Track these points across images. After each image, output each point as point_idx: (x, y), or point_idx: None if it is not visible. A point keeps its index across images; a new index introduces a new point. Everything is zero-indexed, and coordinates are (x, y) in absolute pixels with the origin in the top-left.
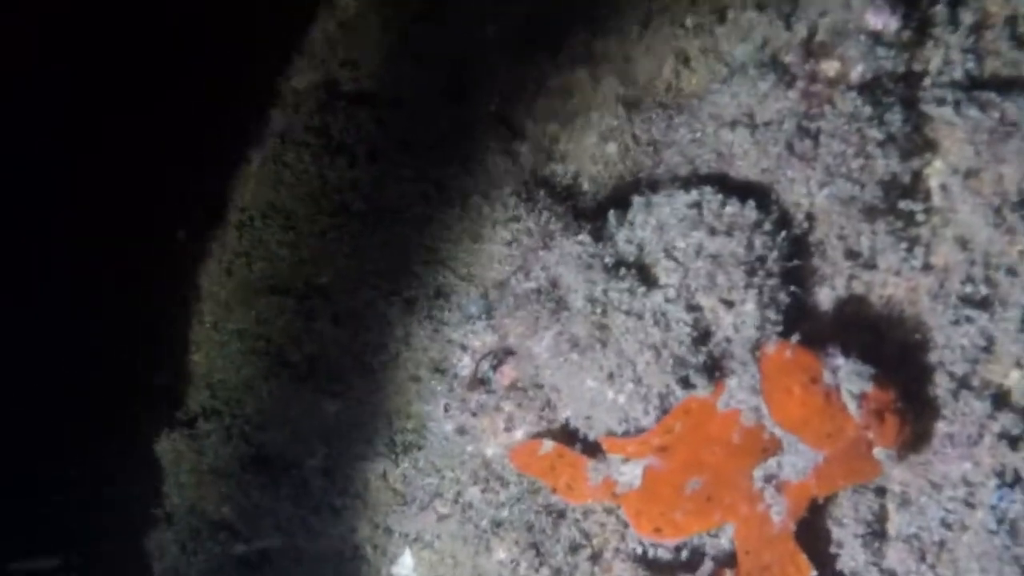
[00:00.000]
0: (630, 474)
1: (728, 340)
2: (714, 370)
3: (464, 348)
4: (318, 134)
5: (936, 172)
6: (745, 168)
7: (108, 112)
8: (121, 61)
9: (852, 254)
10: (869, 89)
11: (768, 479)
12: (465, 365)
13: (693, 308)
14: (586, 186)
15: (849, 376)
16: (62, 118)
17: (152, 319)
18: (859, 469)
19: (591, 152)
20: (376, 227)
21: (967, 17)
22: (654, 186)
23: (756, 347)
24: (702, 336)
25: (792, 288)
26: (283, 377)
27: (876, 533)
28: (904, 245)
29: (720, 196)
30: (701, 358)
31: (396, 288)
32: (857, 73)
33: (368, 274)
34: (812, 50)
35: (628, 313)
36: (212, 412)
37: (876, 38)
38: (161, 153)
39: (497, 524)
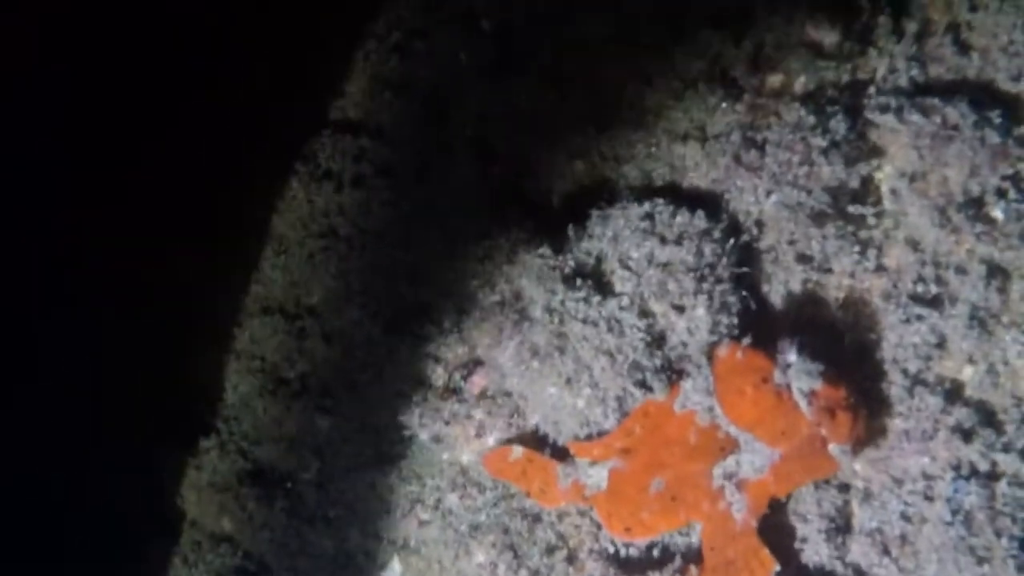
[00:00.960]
0: (597, 476)
1: (683, 344)
2: (670, 373)
3: (437, 360)
4: (306, 161)
5: (886, 177)
6: (696, 179)
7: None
8: (120, 70)
9: (804, 258)
10: (813, 99)
11: (728, 477)
12: (438, 376)
13: (646, 314)
14: (555, 201)
15: (799, 374)
16: (62, 118)
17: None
18: (816, 465)
19: (560, 169)
20: (361, 249)
21: (910, 26)
22: (612, 199)
23: (709, 350)
24: (656, 341)
25: (743, 293)
26: (277, 394)
27: (839, 528)
28: (857, 248)
29: (671, 207)
30: (656, 362)
31: (380, 306)
32: (800, 84)
33: (354, 294)
34: (759, 64)
35: (584, 321)
36: (210, 429)
37: (818, 50)
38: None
39: (475, 528)
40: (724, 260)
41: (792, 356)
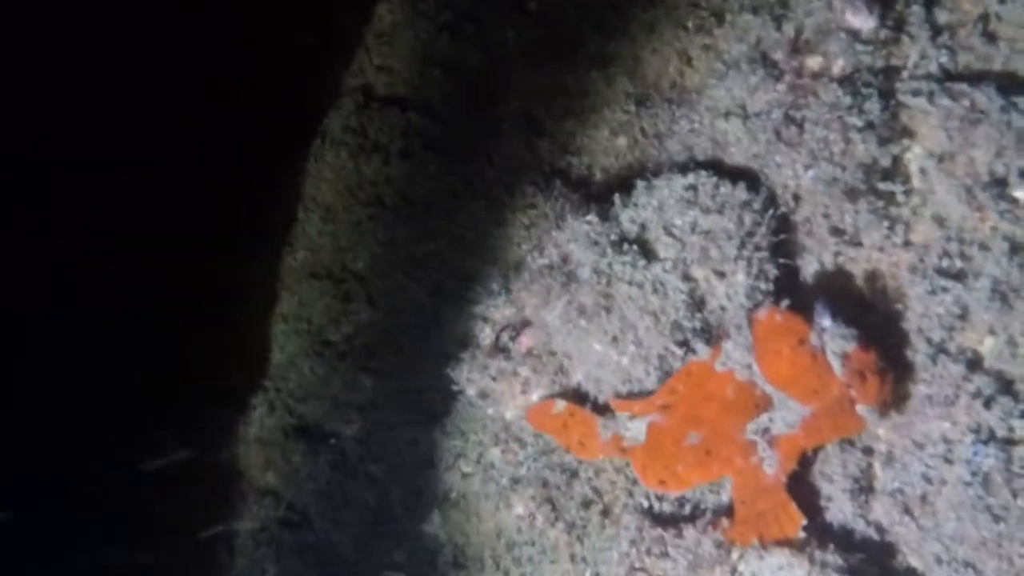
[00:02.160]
0: (636, 430)
1: (722, 308)
2: (711, 334)
3: (486, 320)
4: (355, 134)
5: (915, 157)
6: (738, 154)
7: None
8: (120, 67)
9: (837, 231)
10: (850, 81)
11: (761, 433)
12: (486, 336)
13: (689, 279)
14: (598, 176)
15: (833, 337)
16: (62, 118)
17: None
18: (844, 424)
19: (603, 145)
20: (408, 218)
21: (942, 16)
22: (657, 172)
23: (749, 313)
24: (697, 304)
25: (780, 260)
26: (324, 355)
27: (863, 488)
28: (886, 223)
29: (714, 179)
30: (697, 324)
31: (425, 272)
32: (838, 67)
33: (400, 260)
34: (798, 47)
35: (630, 283)
36: (258, 387)
37: (856, 36)
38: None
39: (515, 481)
40: (763, 229)
41: (827, 320)
